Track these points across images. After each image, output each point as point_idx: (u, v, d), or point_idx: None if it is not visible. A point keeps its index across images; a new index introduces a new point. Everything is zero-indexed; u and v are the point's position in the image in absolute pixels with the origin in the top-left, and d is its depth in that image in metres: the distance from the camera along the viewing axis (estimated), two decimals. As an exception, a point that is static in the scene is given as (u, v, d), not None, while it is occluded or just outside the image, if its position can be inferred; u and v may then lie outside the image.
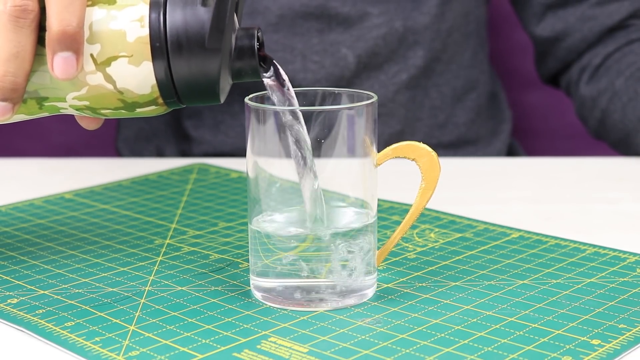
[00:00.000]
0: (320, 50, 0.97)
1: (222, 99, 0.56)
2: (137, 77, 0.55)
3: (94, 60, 0.55)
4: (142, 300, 0.59)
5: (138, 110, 0.57)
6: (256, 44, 0.56)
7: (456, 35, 1.03)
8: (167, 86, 0.55)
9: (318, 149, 0.56)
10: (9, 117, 0.55)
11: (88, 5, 0.55)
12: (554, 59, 1.03)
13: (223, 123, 1.01)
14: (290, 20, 0.97)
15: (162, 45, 0.54)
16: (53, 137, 1.37)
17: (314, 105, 0.58)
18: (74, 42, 0.54)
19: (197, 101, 0.56)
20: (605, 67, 0.98)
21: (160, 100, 0.56)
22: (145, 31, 0.54)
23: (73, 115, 0.60)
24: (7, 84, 0.54)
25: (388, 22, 0.98)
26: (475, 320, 0.55)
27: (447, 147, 1.04)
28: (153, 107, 0.57)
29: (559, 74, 1.06)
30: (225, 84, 0.56)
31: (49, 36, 0.54)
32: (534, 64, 1.09)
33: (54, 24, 0.53)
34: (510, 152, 1.14)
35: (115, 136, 1.16)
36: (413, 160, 0.58)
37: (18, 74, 0.54)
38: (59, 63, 0.54)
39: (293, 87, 0.57)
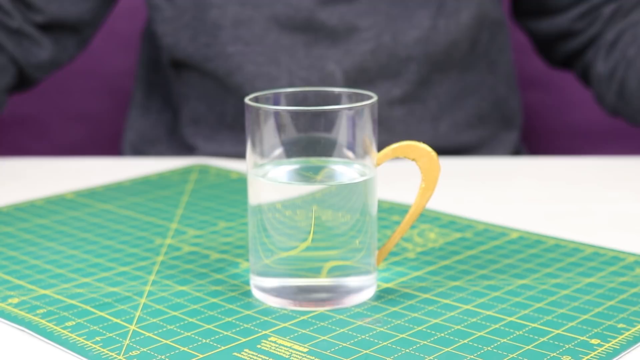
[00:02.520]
0: (306, 65, 0.95)
1: None
2: None
3: None
4: (143, 300, 0.59)
5: None
6: None
7: (456, 45, 1.00)
8: None
9: (318, 149, 0.56)
10: None
11: None
12: (575, 40, 1.03)
13: (219, 133, 1.01)
14: (276, 32, 0.96)
15: None
16: (57, 136, 1.37)
17: (313, 106, 0.58)
18: None
19: None
20: (620, 41, 0.98)
21: None
22: None
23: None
24: None
25: (377, 36, 0.95)
26: (475, 320, 0.55)
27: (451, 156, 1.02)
28: None
29: (574, 58, 1.05)
30: None
31: None
32: (542, 51, 1.09)
33: None
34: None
35: (121, 139, 1.16)
36: (413, 160, 0.58)
37: None
38: None
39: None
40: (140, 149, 1.09)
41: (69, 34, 1.01)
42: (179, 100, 1.04)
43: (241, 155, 0.97)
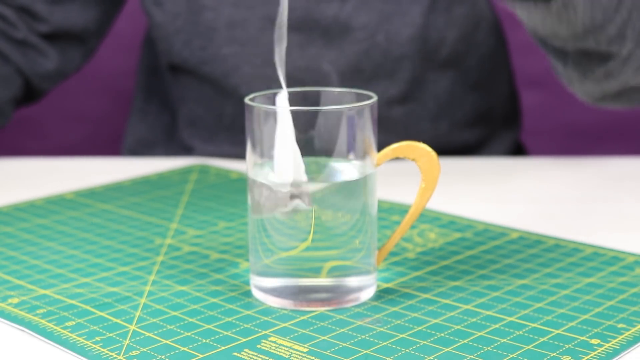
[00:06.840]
0: (301, 66, 0.95)
1: None
2: None
3: None
4: (143, 300, 0.59)
5: None
6: None
7: (448, 41, 0.99)
8: None
9: (318, 149, 0.56)
10: None
11: None
12: None
13: (217, 135, 1.01)
14: (271, 32, 0.95)
15: None
16: (56, 136, 1.37)
17: (313, 106, 0.58)
18: None
19: None
20: None
21: None
22: None
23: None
24: None
25: (370, 36, 0.95)
26: (475, 320, 0.55)
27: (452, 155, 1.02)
28: None
29: None
30: None
31: None
32: None
33: None
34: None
35: (120, 140, 1.16)
36: (413, 160, 0.58)
37: None
38: None
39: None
40: (139, 153, 1.09)
41: (75, 44, 1.00)
42: (176, 103, 1.04)
43: (239, 156, 0.97)
